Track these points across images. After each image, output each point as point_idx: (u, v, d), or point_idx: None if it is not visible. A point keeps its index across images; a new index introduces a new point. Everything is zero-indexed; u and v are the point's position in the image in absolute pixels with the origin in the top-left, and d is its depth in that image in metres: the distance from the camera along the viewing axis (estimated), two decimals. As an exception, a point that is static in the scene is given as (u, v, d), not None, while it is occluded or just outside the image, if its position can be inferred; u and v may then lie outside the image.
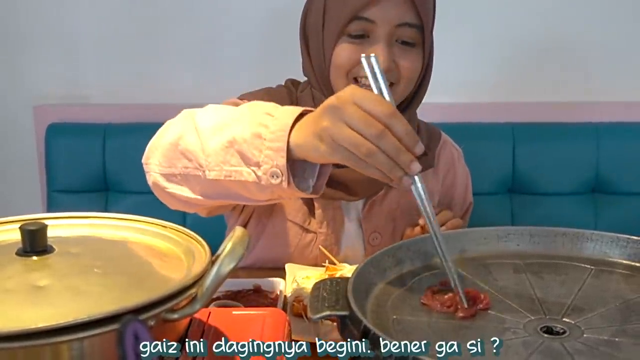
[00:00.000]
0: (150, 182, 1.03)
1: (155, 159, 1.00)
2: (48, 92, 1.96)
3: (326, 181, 0.92)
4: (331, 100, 0.81)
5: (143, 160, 1.03)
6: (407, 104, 1.23)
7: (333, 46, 1.16)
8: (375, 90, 0.84)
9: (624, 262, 0.89)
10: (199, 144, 0.93)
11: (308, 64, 1.23)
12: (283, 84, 1.33)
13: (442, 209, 1.29)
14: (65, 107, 1.94)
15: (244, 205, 1.27)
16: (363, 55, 0.85)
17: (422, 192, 0.81)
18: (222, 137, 0.90)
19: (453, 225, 1.23)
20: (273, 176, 0.84)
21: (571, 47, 1.91)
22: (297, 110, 0.86)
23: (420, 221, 1.22)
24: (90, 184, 1.86)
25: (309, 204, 1.26)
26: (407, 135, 0.78)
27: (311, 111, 0.86)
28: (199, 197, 0.98)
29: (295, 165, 0.87)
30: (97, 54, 1.94)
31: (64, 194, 1.87)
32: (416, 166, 0.78)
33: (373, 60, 0.85)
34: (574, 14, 1.89)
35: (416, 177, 0.80)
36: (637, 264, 0.88)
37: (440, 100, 1.87)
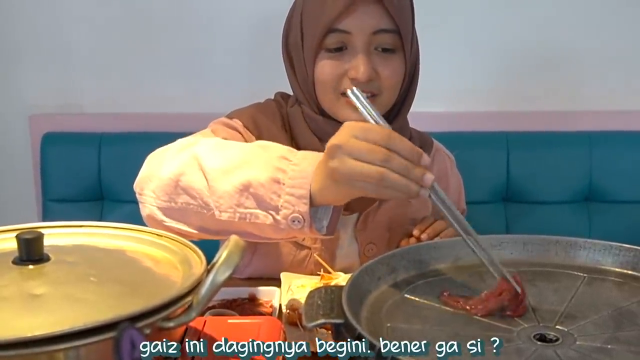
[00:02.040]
0: (144, 214, 1.03)
1: (150, 192, 1.01)
2: (43, 102, 1.96)
3: (339, 221, 0.94)
4: (332, 142, 0.84)
5: (136, 189, 1.04)
6: (396, 112, 1.24)
7: (313, 62, 1.17)
8: (369, 120, 0.87)
9: (617, 270, 0.90)
10: (205, 182, 0.94)
11: (294, 81, 1.24)
12: (273, 97, 1.33)
13: (436, 218, 1.29)
14: (61, 117, 1.94)
15: None
16: (348, 90, 0.90)
17: (444, 198, 0.85)
18: (234, 179, 0.91)
19: (447, 235, 1.23)
20: (294, 221, 0.87)
21: (564, 56, 1.92)
22: (316, 157, 0.89)
23: (415, 232, 1.23)
24: (86, 193, 1.86)
25: None
26: (411, 151, 0.81)
27: None
28: (197, 232, 0.99)
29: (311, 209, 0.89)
30: (92, 64, 1.94)
31: (59, 203, 1.87)
32: (429, 177, 0.82)
33: (356, 92, 0.89)
34: (568, 24, 1.90)
35: (435, 185, 0.83)
36: (629, 272, 0.89)
37: (434, 109, 1.88)
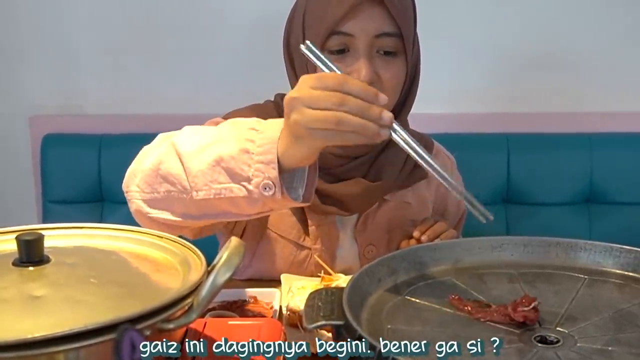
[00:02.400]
0: (132, 210, 1.03)
1: (135, 186, 1.01)
2: (44, 103, 1.96)
3: (315, 190, 0.93)
4: (289, 94, 0.85)
5: (123, 188, 1.04)
6: (396, 115, 1.24)
7: (315, 65, 1.17)
8: (325, 70, 0.90)
9: (617, 271, 0.90)
10: (181, 167, 0.94)
11: (295, 82, 1.24)
12: (272, 98, 1.33)
13: (437, 219, 1.29)
14: (61, 118, 1.94)
15: (235, 224, 1.26)
16: (301, 45, 0.92)
17: (406, 137, 0.86)
18: (206, 157, 0.91)
19: (447, 237, 1.23)
20: (265, 188, 0.87)
21: (564, 57, 1.92)
22: (280, 122, 0.89)
23: (415, 233, 1.22)
24: (86, 195, 1.86)
25: (303, 221, 1.26)
26: (365, 91, 0.82)
27: None
28: (180, 219, 0.99)
29: (284, 177, 0.89)
30: (92, 65, 1.94)
31: (60, 204, 1.87)
32: (387, 115, 0.82)
33: (310, 45, 0.92)
34: (568, 25, 1.90)
35: (394, 126, 0.84)
36: (630, 274, 0.89)
37: (435, 110, 1.88)
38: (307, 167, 0.91)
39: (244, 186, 0.88)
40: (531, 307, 0.77)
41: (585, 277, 0.89)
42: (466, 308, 0.80)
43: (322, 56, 0.90)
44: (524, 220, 1.85)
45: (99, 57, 1.94)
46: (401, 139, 0.85)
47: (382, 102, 0.82)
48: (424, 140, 1.37)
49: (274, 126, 0.89)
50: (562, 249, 0.93)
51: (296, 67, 1.23)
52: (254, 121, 0.92)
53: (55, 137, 1.89)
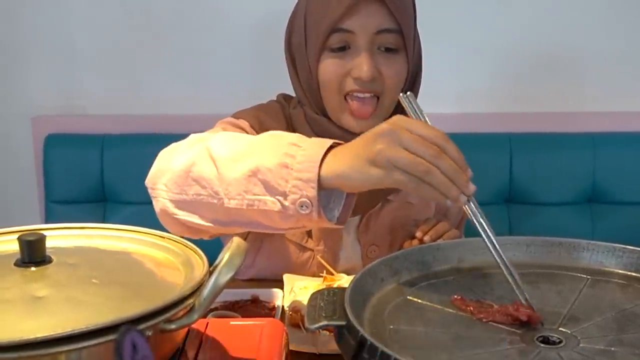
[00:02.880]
0: (157, 209, 1.02)
1: (163, 185, 1.00)
2: (46, 103, 1.96)
3: (351, 212, 0.92)
4: (383, 126, 0.83)
5: (148, 185, 1.03)
6: (399, 113, 1.24)
7: (317, 63, 1.17)
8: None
9: (620, 271, 0.89)
10: (215, 171, 0.92)
11: (296, 83, 1.24)
12: (275, 98, 1.33)
13: (439, 219, 1.29)
14: (63, 118, 1.94)
15: None
16: (401, 94, 0.91)
17: (478, 213, 0.84)
18: (243, 166, 0.90)
19: (450, 237, 1.23)
20: (302, 206, 0.85)
21: (567, 57, 1.92)
22: (327, 142, 0.88)
23: (418, 234, 1.22)
24: (88, 195, 1.87)
25: None
26: (460, 158, 0.81)
27: (340, 143, 0.88)
28: (210, 225, 0.98)
29: (321, 197, 0.87)
30: (94, 65, 1.95)
31: (62, 204, 1.87)
32: (472, 187, 0.82)
33: (409, 97, 0.90)
34: (570, 25, 1.90)
35: (473, 198, 0.84)
36: (633, 274, 0.88)
37: (437, 110, 1.87)
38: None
39: (279, 200, 0.87)
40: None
41: (588, 277, 0.88)
42: (469, 308, 0.80)
43: (417, 109, 0.89)
44: (526, 220, 1.85)
45: (102, 58, 1.94)
46: (473, 213, 0.84)
47: (470, 174, 0.83)
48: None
49: (318, 144, 0.87)
50: (564, 249, 0.93)
51: (298, 67, 1.23)
52: (296, 136, 0.91)
53: (58, 137, 1.89)
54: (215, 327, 0.76)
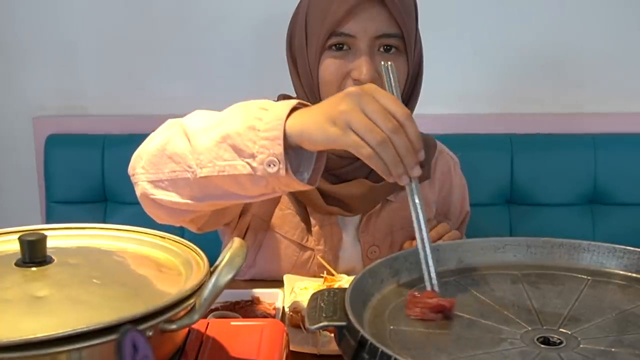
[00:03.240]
0: (138, 193, 1.02)
1: (141, 168, 1.00)
2: (47, 104, 1.96)
3: (320, 176, 0.92)
4: (353, 88, 0.84)
5: (129, 172, 1.03)
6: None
7: (318, 63, 1.17)
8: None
9: (621, 272, 0.89)
10: (188, 145, 0.93)
11: (297, 83, 1.24)
12: (276, 99, 1.33)
13: (439, 220, 1.29)
14: (64, 119, 1.94)
15: (237, 222, 1.26)
16: (382, 62, 0.91)
17: (415, 193, 0.85)
18: (213, 134, 0.90)
19: (450, 238, 1.23)
20: (270, 165, 0.84)
21: (568, 57, 1.91)
22: (292, 102, 0.88)
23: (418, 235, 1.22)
24: (89, 195, 1.87)
25: (306, 221, 1.26)
26: (417, 139, 0.81)
27: (305, 104, 0.89)
28: (188, 201, 0.97)
29: (291, 159, 0.87)
30: (95, 65, 1.95)
31: (63, 205, 1.87)
32: (418, 170, 0.82)
33: (389, 67, 0.90)
34: (572, 26, 1.90)
35: (413, 181, 0.84)
36: (634, 275, 0.89)
37: (438, 111, 1.88)
38: (315, 152, 0.90)
39: (248, 163, 0.86)
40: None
41: (589, 278, 0.89)
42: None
43: (393, 82, 0.89)
44: (527, 221, 1.85)
45: (102, 58, 1.94)
46: (411, 195, 0.85)
47: (421, 157, 0.82)
48: (427, 141, 1.37)
49: (284, 105, 0.87)
50: (565, 250, 0.93)
51: (299, 68, 1.23)
52: (265, 101, 0.91)
53: (59, 137, 1.89)
54: (216, 328, 0.76)
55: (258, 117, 0.87)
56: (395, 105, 0.81)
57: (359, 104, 0.81)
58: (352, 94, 0.83)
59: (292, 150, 0.87)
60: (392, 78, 0.90)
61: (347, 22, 1.13)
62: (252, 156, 0.86)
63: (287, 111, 0.86)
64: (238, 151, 0.87)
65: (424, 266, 0.84)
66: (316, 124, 0.84)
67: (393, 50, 1.17)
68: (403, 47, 1.17)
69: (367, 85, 0.85)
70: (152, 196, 0.99)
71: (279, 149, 0.84)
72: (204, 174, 0.91)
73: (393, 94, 0.88)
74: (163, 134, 0.99)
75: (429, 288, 0.83)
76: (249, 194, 0.92)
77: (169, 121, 1.04)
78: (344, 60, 1.16)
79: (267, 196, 0.94)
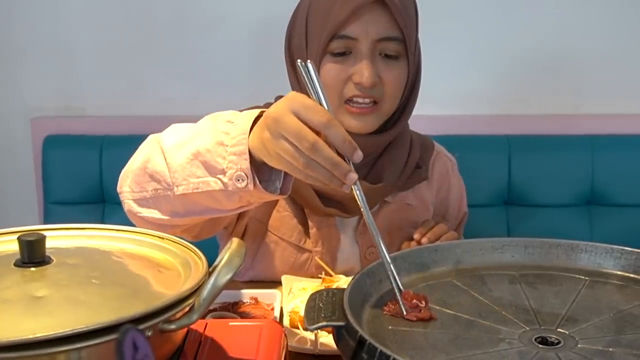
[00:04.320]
0: (125, 210, 1.04)
1: (127, 186, 1.01)
2: (45, 105, 1.96)
3: (293, 180, 0.92)
4: (270, 111, 0.82)
5: (117, 190, 1.04)
6: (397, 119, 1.24)
7: (318, 67, 1.17)
8: (313, 97, 0.84)
9: (618, 273, 0.90)
10: (164, 163, 0.94)
11: (296, 85, 1.24)
12: (273, 100, 1.33)
13: (437, 221, 1.29)
14: (62, 119, 1.94)
15: (234, 226, 1.26)
16: (298, 61, 0.87)
17: (360, 198, 0.83)
18: (186, 152, 0.91)
19: (448, 238, 1.23)
20: (239, 180, 0.85)
21: (566, 59, 1.92)
22: (254, 113, 0.88)
23: (416, 235, 1.22)
24: (87, 196, 1.86)
25: (304, 223, 1.26)
26: (344, 143, 0.79)
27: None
28: (172, 218, 0.99)
29: (262, 170, 0.87)
30: (93, 66, 1.95)
31: (61, 205, 1.87)
32: (352, 177, 0.80)
33: (309, 66, 0.86)
34: (569, 27, 1.90)
35: (354, 187, 0.82)
36: (631, 275, 0.89)
37: (436, 112, 1.88)
38: None
39: (219, 179, 0.87)
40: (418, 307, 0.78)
41: (586, 278, 0.89)
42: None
43: (316, 81, 0.85)
44: (525, 222, 1.85)
45: (100, 59, 1.94)
46: (359, 200, 0.83)
47: (357, 160, 0.80)
48: (424, 142, 1.37)
49: (247, 117, 0.87)
50: (563, 251, 0.93)
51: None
52: (231, 114, 0.91)
53: (57, 138, 1.89)
54: (215, 328, 0.77)
55: (225, 132, 0.87)
56: (313, 114, 0.79)
57: (277, 129, 0.80)
58: (269, 119, 0.81)
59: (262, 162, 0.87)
60: (312, 77, 0.85)
61: (349, 24, 1.13)
62: (223, 172, 0.87)
63: (250, 124, 0.86)
64: (209, 168, 0.89)
65: (390, 276, 0.82)
66: (259, 147, 0.84)
67: (393, 57, 1.17)
68: (404, 52, 1.17)
69: (286, 97, 0.82)
70: (138, 214, 1.01)
71: (245, 163, 0.85)
72: (180, 192, 0.92)
73: (312, 95, 0.84)
74: (144, 151, 1.00)
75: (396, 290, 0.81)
76: (226, 207, 0.93)
77: (150, 136, 1.04)
78: (344, 65, 1.15)
79: (244, 208, 0.95)
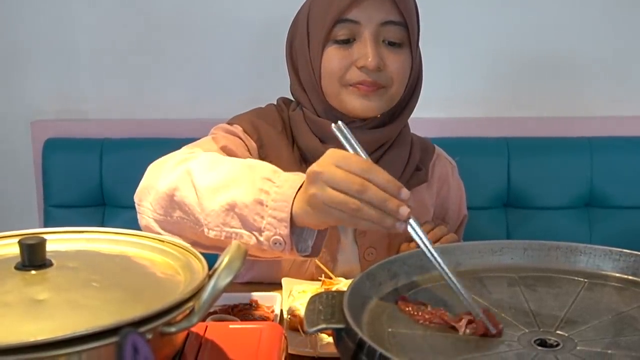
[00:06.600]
0: (142, 224, 1.05)
1: (148, 204, 1.02)
2: (45, 108, 1.97)
3: (324, 242, 0.94)
4: (312, 167, 0.84)
5: (136, 200, 1.05)
6: (399, 113, 1.25)
7: (321, 54, 1.18)
8: (351, 151, 0.86)
9: (617, 275, 0.90)
10: (196, 199, 0.95)
11: (297, 85, 1.25)
12: (275, 102, 1.33)
13: (437, 223, 1.29)
14: (63, 123, 1.94)
15: None
16: (332, 124, 0.88)
17: (420, 234, 0.82)
18: (221, 199, 0.92)
19: (447, 240, 1.24)
20: (276, 243, 0.88)
21: (565, 62, 1.92)
22: (298, 180, 0.89)
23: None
24: (87, 199, 1.87)
25: None
26: (389, 183, 0.81)
27: None
28: (191, 244, 0.99)
29: (295, 230, 0.90)
30: (94, 70, 1.95)
31: (61, 208, 1.87)
32: (405, 210, 0.81)
33: (341, 125, 0.87)
34: (568, 29, 1.90)
35: (411, 220, 0.82)
36: (630, 277, 0.89)
37: (435, 115, 1.88)
38: None
39: (255, 235, 0.90)
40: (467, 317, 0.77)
41: (585, 280, 0.89)
42: (407, 309, 0.80)
43: (351, 137, 0.87)
44: (524, 224, 1.85)
45: (101, 62, 1.94)
46: (415, 235, 0.83)
47: (404, 197, 0.82)
48: (425, 145, 1.37)
49: (291, 183, 0.89)
50: (562, 253, 0.93)
51: (299, 67, 1.24)
52: (271, 171, 0.92)
53: (57, 141, 1.89)
54: (215, 331, 0.77)
55: (265, 191, 0.89)
56: (354, 163, 0.82)
57: (323, 180, 0.82)
58: (314, 174, 0.83)
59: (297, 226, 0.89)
60: (346, 134, 0.87)
61: (353, 9, 1.16)
62: (259, 230, 0.89)
63: (295, 192, 0.88)
64: (245, 223, 0.90)
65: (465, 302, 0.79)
66: (304, 208, 0.86)
67: (397, 44, 1.18)
68: (407, 39, 1.19)
69: (325, 155, 0.84)
70: (158, 233, 1.01)
71: (285, 230, 0.87)
72: (212, 236, 0.94)
73: (350, 150, 0.86)
74: (172, 175, 1.00)
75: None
76: (254, 255, 0.94)
77: (179, 154, 1.05)
78: (348, 51, 1.17)
79: (271, 258, 0.98)
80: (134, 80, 1.95)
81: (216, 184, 0.94)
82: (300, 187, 0.88)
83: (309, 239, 0.92)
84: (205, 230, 0.94)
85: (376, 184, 0.81)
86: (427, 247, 0.82)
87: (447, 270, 0.81)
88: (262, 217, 0.88)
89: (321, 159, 0.85)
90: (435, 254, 0.81)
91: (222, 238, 0.93)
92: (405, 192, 0.82)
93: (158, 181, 1.01)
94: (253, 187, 0.90)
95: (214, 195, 0.93)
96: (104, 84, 1.96)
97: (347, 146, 0.87)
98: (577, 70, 1.92)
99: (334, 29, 1.17)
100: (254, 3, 1.90)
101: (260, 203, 0.89)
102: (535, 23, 1.90)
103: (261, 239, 0.89)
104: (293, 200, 0.87)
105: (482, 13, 1.90)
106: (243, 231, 0.91)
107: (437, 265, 0.81)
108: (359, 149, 0.86)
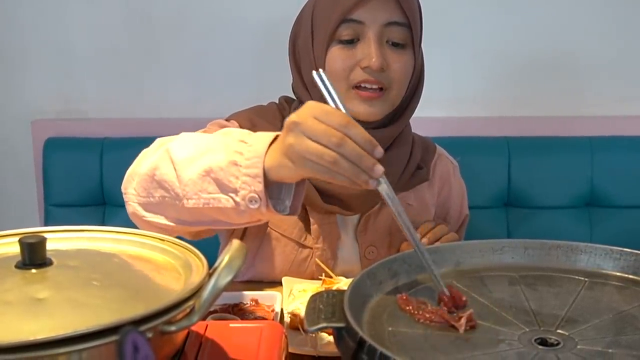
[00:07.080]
0: (129, 212, 1.05)
1: (132, 189, 1.03)
2: (45, 107, 1.97)
3: (302, 200, 0.95)
4: (291, 118, 0.85)
5: (122, 190, 1.06)
6: (400, 114, 1.25)
7: (325, 54, 1.18)
8: (331, 104, 0.88)
9: (617, 274, 0.90)
10: (174, 174, 0.95)
11: (299, 84, 1.25)
12: (277, 101, 1.33)
13: (438, 222, 1.29)
14: (63, 122, 1.94)
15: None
16: (314, 71, 0.90)
17: (389, 192, 0.85)
18: (198, 167, 0.93)
19: (448, 239, 1.24)
20: (251, 201, 0.88)
21: (566, 61, 1.92)
22: (270, 135, 0.90)
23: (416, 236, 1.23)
24: (88, 198, 1.87)
25: (305, 219, 1.27)
26: (365, 141, 0.82)
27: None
28: (173, 224, 1.01)
29: (272, 188, 0.90)
30: (94, 69, 1.95)
31: (61, 208, 1.87)
32: (379, 168, 0.83)
33: (322, 74, 0.89)
34: (569, 29, 1.90)
35: (381, 179, 0.84)
36: (630, 276, 0.89)
37: (436, 114, 1.88)
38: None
39: (231, 197, 0.90)
40: (465, 315, 0.77)
41: (586, 279, 0.89)
42: (408, 308, 0.80)
43: (332, 89, 0.88)
44: (524, 224, 1.85)
45: (101, 61, 1.94)
46: (385, 194, 0.85)
47: (378, 155, 0.83)
48: (426, 144, 1.37)
49: (263, 140, 0.90)
50: (562, 252, 0.93)
51: (302, 65, 1.24)
52: (245, 133, 0.94)
53: (57, 140, 1.90)
54: (215, 330, 0.77)
55: (239, 152, 0.89)
56: (333, 117, 0.83)
57: (301, 131, 0.83)
58: (291, 125, 0.84)
59: (274, 183, 0.89)
60: (327, 85, 0.89)
61: (357, 9, 1.16)
62: (235, 191, 0.89)
63: (266, 148, 0.88)
64: (221, 185, 0.90)
65: (425, 264, 0.84)
66: (278, 162, 0.86)
67: (400, 45, 1.19)
68: (410, 40, 1.19)
69: (304, 106, 0.86)
70: (143, 218, 1.03)
71: (259, 186, 0.87)
72: (191, 205, 0.94)
73: (329, 102, 0.88)
74: (151, 157, 1.01)
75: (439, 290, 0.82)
76: (234, 221, 0.95)
77: (158, 141, 1.06)
78: (352, 51, 1.17)
79: (252, 224, 0.97)
80: (134, 80, 1.95)
81: (193, 154, 0.95)
82: (273, 142, 0.89)
83: (286, 199, 0.92)
84: (185, 201, 0.94)
85: (354, 140, 0.82)
86: (396, 208, 0.85)
87: (416, 237, 0.85)
88: (237, 177, 0.88)
89: (300, 110, 0.85)
90: (404, 217, 0.85)
91: (201, 206, 0.92)
92: (379, 151, 0.83)
93: (140, 166, 1.02)
94: (228, 150, 0.91)
95: (190, 165, 0.94)
96: (104, 83, 1.96)
97: (327, 96, 0.88)
98: (577, 70, 1.92)
99: (338, 29, 1.17)
100: (254, 3, 1.90)
101: (235, 164, 0.89)
102: (536, 23, 1.90)
103: (238, 199, 0.89)
104: (265, 155, 0.88)
105: (484, 13, 1.90)
106: (220, 195, 0.91)
107: (404, 230, 0.85)
108: (337, 101, 0.87)
